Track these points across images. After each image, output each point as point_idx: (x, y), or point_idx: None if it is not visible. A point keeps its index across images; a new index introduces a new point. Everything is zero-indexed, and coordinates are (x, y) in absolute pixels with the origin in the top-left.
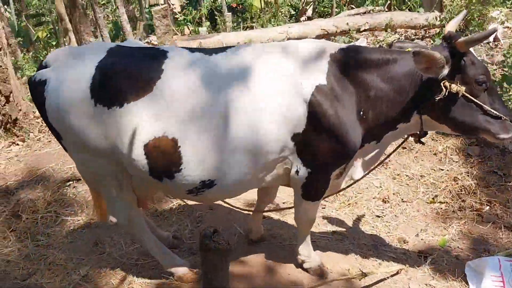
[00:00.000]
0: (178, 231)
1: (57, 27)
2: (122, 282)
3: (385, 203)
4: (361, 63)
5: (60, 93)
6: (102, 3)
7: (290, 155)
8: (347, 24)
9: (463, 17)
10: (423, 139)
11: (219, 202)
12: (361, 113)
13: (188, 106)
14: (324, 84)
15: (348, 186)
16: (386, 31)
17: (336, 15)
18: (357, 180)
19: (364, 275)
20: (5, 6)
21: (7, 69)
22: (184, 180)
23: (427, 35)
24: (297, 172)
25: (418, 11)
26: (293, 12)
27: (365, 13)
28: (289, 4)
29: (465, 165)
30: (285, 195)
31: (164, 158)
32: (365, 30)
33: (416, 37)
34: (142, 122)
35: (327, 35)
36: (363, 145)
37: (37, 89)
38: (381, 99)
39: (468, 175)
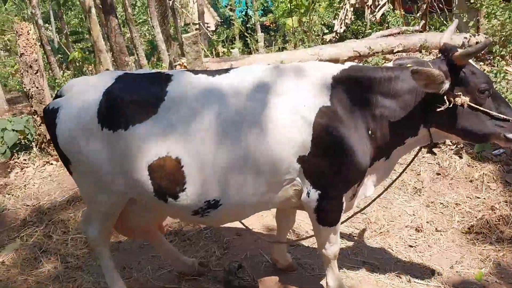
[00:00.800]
0: (205, 257)
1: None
2: None
3: (418, 232)
4: (364, 82)
5: (70, 118)
6: (139, 21)
7: (297, 177)
8: (380, 45)
9: (456, 27)
10: (435, 149)
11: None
12: (370, 132)
13: (191, 127)
14: (328, 106)
15: (364, 208)
16: (420, 52)
17: (369, 35)
18: (373, 201)
19: None
20: (46, 24)
21: (43, 90)
22: (189, 199)
23: None
24: (308, 194)
25: None
26: (326, 31)
27: (398, 33)
28: (322, 23)
29: (503, 193)
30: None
31: (168, 178)
32: (398, 52)
33: None
34: (146, 143)
35: (359, 57)
36: (372, 163)
37: (50, 117)
38: (387, 117)
39: (506, 204)
